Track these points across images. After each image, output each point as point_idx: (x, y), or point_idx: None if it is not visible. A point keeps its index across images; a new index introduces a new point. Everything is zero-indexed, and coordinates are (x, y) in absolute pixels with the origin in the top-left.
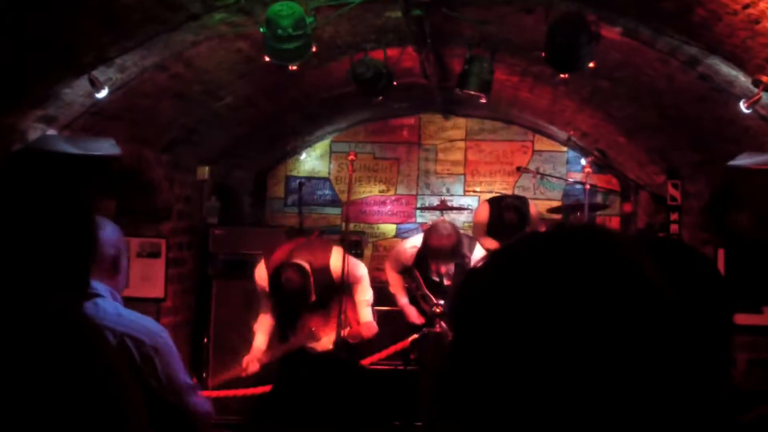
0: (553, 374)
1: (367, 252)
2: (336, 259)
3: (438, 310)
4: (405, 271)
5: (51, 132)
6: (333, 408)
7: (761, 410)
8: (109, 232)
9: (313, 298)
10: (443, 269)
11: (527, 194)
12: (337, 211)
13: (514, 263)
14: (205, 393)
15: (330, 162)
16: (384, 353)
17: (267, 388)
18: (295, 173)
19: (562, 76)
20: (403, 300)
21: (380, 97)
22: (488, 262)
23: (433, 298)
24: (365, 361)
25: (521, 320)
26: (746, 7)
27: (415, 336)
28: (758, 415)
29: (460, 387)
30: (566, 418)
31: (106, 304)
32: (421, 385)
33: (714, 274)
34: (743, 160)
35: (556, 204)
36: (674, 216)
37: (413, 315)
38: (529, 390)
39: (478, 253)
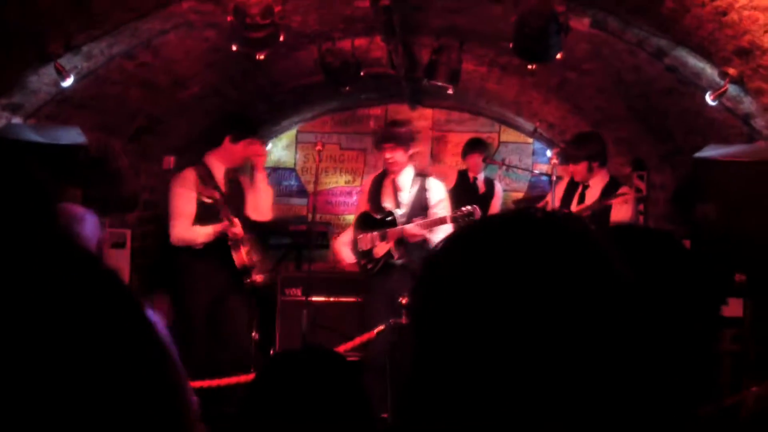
0: (520, 371)
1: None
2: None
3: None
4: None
5: (16, 120)
6: (319, 401)
7: (721, 403)
8: (88, 227)
9: None
10: (398, 184)
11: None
12: (303, 201)
13: (471, 255)
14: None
15: (296, 152)
16: (350, 344)
17: (240, 378)
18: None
19: (530, 67)
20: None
21: (347, 87)
22: (445, 253)
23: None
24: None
25: (481, 314)
26: None
27: (381, 327)
28: (718, 409)
29: (426, 391)
30: (535, 419)
31: None
32: (389, 377)
33: (700, 267)
34: (710, 152)
35: (521, 195)
36: (640, 207)
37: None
38: (497, 389)
39: (435, 190)
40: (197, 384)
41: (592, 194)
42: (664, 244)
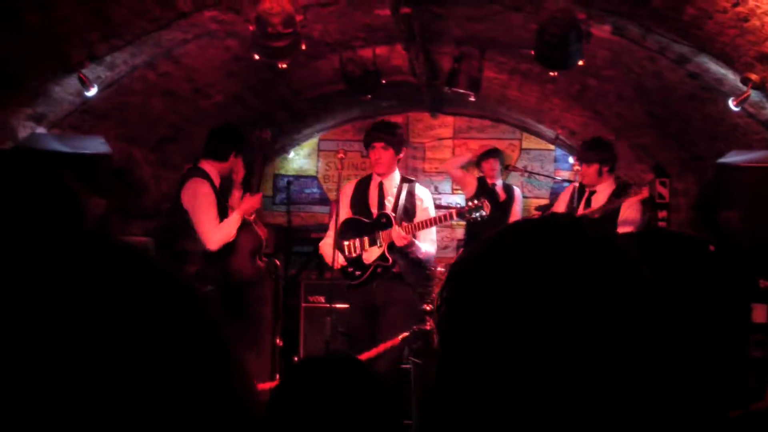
0: (548, 377)
1: None
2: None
3: (427, 308)
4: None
5: (40, 130)
6: (342, 408)
7: (748, 408)
8: None
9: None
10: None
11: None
12: (325, 209)
13: (500, 260)
14: None
15: (318, 160)
16: (374, 351)
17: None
18: (282, 172)
19: (551, 74)
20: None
21: (369, 96)
22: (474, 258)
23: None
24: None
25: (509, 320)
26: (736, 5)
27: (406, 334)
28: (745, 413)
29: (452, 396)
30: (563, 424)
31: None
32: (413, 383)
33: (729, 270)
34: (733, 158)
35: (544, 202)
36: (662, 214)
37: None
38: (524, 395)
39: (423, 197)
40: None
41: (599, 200)
42: (691, 247)
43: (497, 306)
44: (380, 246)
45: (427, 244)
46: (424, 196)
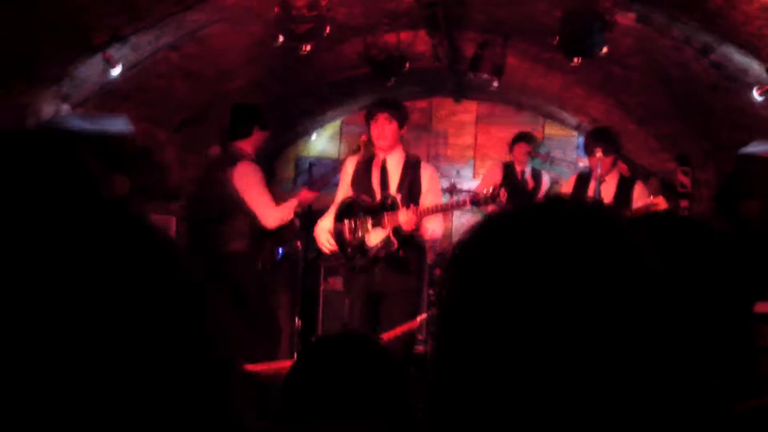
0: (549, 363)
1: None
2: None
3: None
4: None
5: (65, 109)
6: (357, 387)
7: (757, 401)
8: None
9: None
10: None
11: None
12: None
13: (501, 243)
14: None
15: (340, 143)
16: (392, 333)
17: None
18: (305, 154)
19: (574, 61)
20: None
21: (392, 80)
22: (475, 240)
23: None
24: None
25: (510, 304)
26: None
27: (424, 315)
28: (754, 407)
29: (450, 382)
30: (564, 413)
31: None
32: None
33: (734, 255)
34: (754, 148)
35: (566, 190)
36: (684, 203)
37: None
38: (524, 380)
39: (428, 176)
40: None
41: (608, 189)
42: (698, 233)
43: (497, 292)
44: (385, 228)
45: (433, 224)
46: (429, 175)
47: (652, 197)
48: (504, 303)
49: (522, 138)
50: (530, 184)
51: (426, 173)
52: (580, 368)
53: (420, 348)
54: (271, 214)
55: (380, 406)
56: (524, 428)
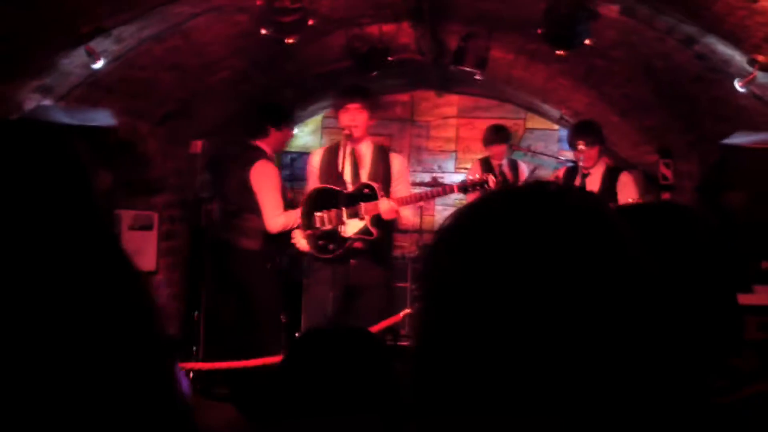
0: (530, 351)
1: None
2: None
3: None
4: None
5: (47, 102)
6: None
7: (745, 391)
8: None
9: None
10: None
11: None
12: None
13: (482, 228)
14: (196, 365)
15: (322, 137)
16: (375, 328)
17: (258, 362)
18: (288, 148)
19: (558, 53)
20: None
21: (375, 73)
22: (456, 225)
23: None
24: None
25: (490, 290)
26: None
27: (408, 310)
28: (742, 397)
29: (433, 379)
30: (543, 403)
31: None
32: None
33: (720, 244)
34: (737, 139)
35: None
36: (666, 195)
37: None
38: (506, 369)
39: (398, 165)
40: (227, 365)
41: (593, 182)
42: (681, 219)
43: (480, 277)
44: (362, 218)
45: (407, 212)
46: (399, 164)
47: (634, 194)
48: (487, 288)
49: (500, 136)
50: (509, 175)
51: (396, 162)
52: (565, 356)
53: (404, 342)
54: (276, 219)
55: (371, 398)
56: (509, 418)
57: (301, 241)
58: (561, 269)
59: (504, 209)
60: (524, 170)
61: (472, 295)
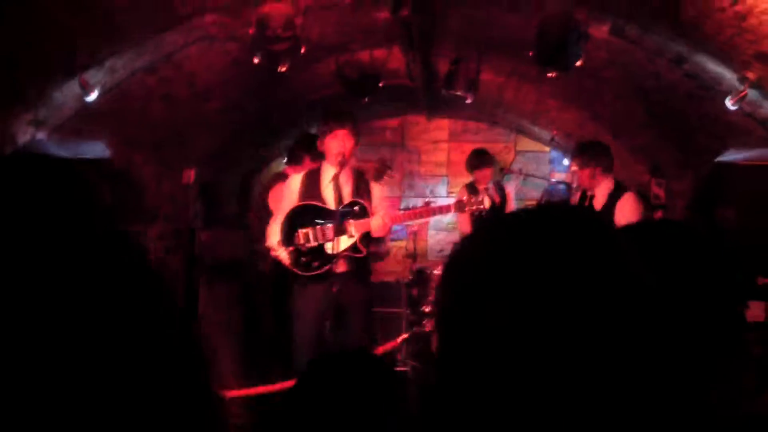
0: (544, 369)
1: None
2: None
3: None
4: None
5: (41, 135)
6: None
7: (746, 407)
8: None
9: None
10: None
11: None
12: None
13: (499, 250)
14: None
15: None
16: (379, 350)
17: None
18: None
19: (549, 75)
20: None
21: (366, 99)
22: (465, 253)
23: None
24: None
25: (507, 309)
26: (734, 3)
27: (405, 335)
28: (742, 414)
29: (452, 390)
30: (556, 418)
31: None
32: (411, 386)
33: (720, 262)
34: (730, 156)
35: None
36: (658, 214)
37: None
38: (522, 390)
39: (377, 191)
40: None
41: (598, 203)
42: (684, 238)
43: (493, 299)
44: (352, 236)
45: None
46: (379, 192)
47: (633, 216)
48: (499, 307)
49: (482, 163)
50: (496, 198)
51: (376, 189)
52: (575, 372)
53: (401, 368)
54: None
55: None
56: None
57: (282, 253)
58: (569, 288)
59: (517, 230)
60: (511, 192)
61: (487, 313)
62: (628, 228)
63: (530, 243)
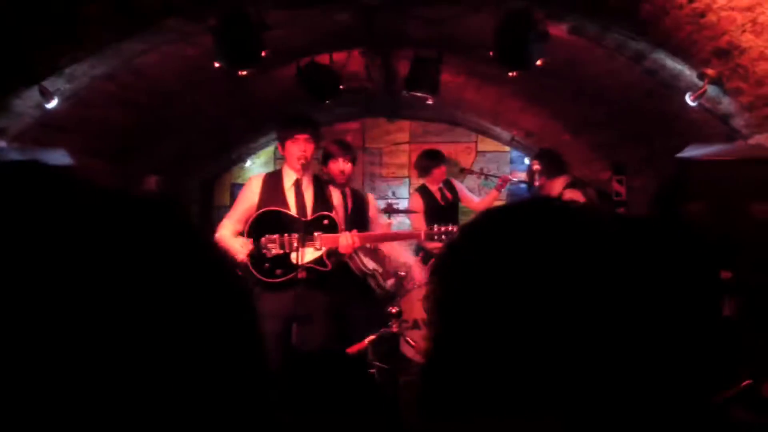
0: (540, 360)
1: None
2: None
3: (392, 311)
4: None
5: (1, 144)
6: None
7: (738, 386)
8: None
9: None
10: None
11: (473, 195)
12: None
13: (480, 246)
14: None
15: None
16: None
17: None
18: (240, 181)
19: (510, 74)
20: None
21: (327, 102)
22: (468, 241)
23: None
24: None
25: (504, 303)
26: (692, 0)
27: (372, 337)
28: (739, 390)
29: (449, 381)
30: (548, 409)
31: None
32: (378, 388)
33: (702, 258)
34: (691, 152)
35: (500, 204)
36: (620, 211)
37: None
38: (514, 380)
39: (336, 198)
40: None
41: None
42: (664, 231)
43: (488, 289)
44: (318, 249)
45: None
46: (336, 196)
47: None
48: (494, 300)
49: (436, 162)
50: (449, 196)
51: (335, 195)
52: (570, 365)
53: (372, 371)
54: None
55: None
56: (517, 423)
57: (241, 249)
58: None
59: (512, 224)
60: (461, 188)
61: (481, 305)
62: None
63: (526, 236)
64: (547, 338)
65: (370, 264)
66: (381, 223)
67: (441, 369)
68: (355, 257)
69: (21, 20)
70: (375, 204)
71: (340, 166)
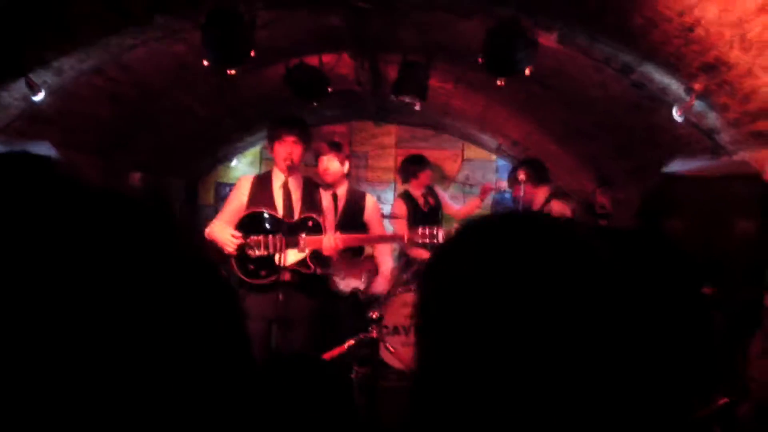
0: (525, 369)
1: None
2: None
3: (374, 315)
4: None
5: None
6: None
7: (716, 404)
8: None
9: None
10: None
11: (457, 203)
12: None
13: (479, 255)
14: None
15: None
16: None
17: None
18: (225, 180)
19: (498, 82)
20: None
21: (315, 103)
22: (452, 252)
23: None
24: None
25: (488, 312)
26: (681, 14)
27: (351, 341)
28: (716, 408)
29: (436, 391)
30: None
31: None
32: (357, 392)
33: (689, 268)
34: (677, 167)
35: (485, 213)
36: (603, 223)
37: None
38: (501, 391)
39: (326, 200)
40: None
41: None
42: (649, 243)
43: (470, 301)
44: (302, 250)
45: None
46: (326, 198)
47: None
48: (474, 311)
49: (422, 167)
50: (431, 202)
51: (326, 197)
52: (556, 375)
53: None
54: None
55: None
56: None
57: (230, 240)
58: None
59: (493, 238)
60: (443, 195)
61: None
62: (602, 231)
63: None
64: (528, 353)
65: (352, 283)
66: (380, 226)
67: (428, 388)
68: (334, 281)
69: (8, 12)
70: (375, 207)
71: (324, 164)
